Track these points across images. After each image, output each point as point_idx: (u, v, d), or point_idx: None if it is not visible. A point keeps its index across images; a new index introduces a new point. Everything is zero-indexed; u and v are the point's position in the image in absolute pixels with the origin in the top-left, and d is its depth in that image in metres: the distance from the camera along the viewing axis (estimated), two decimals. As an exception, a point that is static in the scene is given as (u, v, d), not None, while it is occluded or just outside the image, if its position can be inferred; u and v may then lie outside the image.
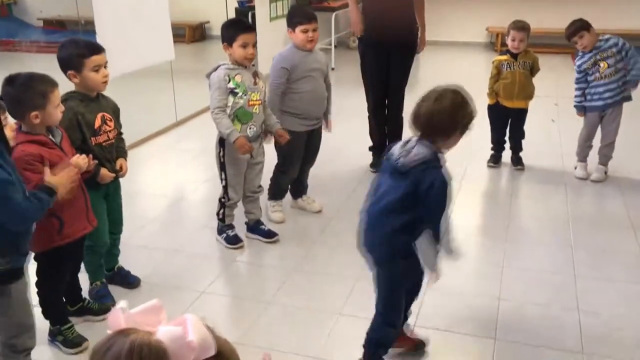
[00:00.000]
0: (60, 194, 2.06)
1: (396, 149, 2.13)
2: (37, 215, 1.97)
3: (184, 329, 0.86)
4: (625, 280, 2.89)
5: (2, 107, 1.99)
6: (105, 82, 2.51)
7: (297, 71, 3.26)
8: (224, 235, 3.23)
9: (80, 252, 2.49)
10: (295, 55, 3.27)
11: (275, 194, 3.57)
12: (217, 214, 3.23)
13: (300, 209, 3.64)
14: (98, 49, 2.46)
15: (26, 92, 2.08)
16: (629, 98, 3.96)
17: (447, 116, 2.08)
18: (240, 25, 3.06)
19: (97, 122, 2.48)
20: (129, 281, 2.86)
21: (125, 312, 0.88)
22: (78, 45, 2.45)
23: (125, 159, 2.69)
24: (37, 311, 2.43)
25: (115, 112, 2.62)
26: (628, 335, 2.49)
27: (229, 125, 2.95)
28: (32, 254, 2.26)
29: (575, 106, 4.13)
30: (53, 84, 2.14)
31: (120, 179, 2.72)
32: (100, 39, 4.03)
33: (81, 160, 2.22)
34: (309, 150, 3.52)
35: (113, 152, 2.60)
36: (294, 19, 3.27)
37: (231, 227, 3.24)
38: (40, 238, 2.20)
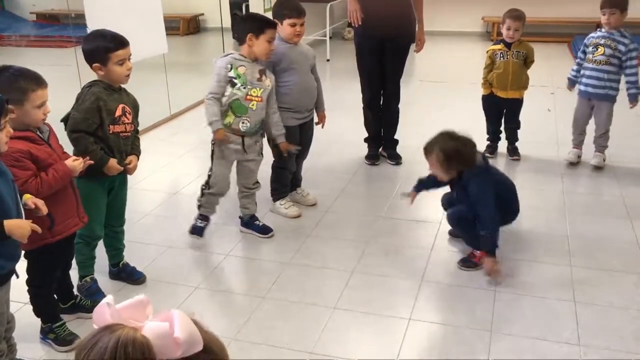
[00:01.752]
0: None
1: None
2: None
3: (171, 325, 0.84)
4: (621, 270, 2.88)
5: (6, 110, 1.96)
6: (128, 76, 2.54)
7: (282, 63, 3.25)
8: (194, 222, 3.21)
9: (71, 249, 2.47)
10: (279, 47, 3.23)
11: (280, 192, 3.55)
12: (197, 199, 3.22)
13: (295, 202, 3.62)
14: (124, 43, 2.49)
15: (7, 84, 2.05)
16: (613, 99, 3.93)
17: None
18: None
19: (118, 112, 2.50)
20: (135, 277, 2.83)
21: (111, 308, 0.86)
22: (105, 38, 2.47)
23: (138, 157, 2.68)
24: (28, 309, 2.43)
25: (135, 107, 2.63)
26: (624, 326, 2.48)
27: (216, 114, 2.95)
28: (22, 252, 2.24)
29: (567, 77, 4.15)
30: (38, 84, 2.11)
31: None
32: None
33: (77, 163, 2.22)
34: (302, 142, 3.49)
35: (128, 146, 2.61)
36: (283, 11, 3.24)
37: (205, 218, 3.22)
38: (30, 236, 2.17)
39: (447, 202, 3.18)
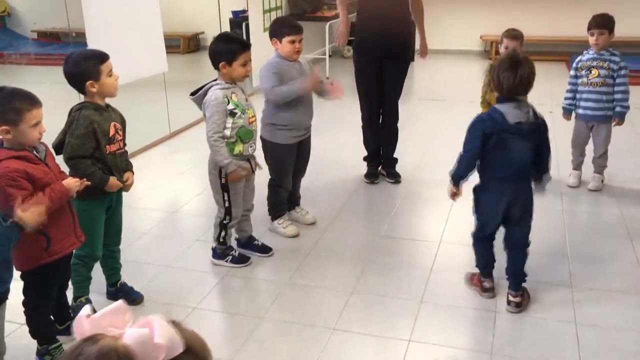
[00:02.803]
0: (28, 228, 1.98)
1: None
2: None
3: (150, 331, 0.85)
4: (622, 291, 2.85)
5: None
6: (117, 86, 2.54)
7: (285, 80, 3.23)
8: (229, 257, 3.15)
9: (67, 269, 2.45)
10: (281, 63, 3.24)
11: (277, 210, 3.53)
12: (217, 238, 3.13)
13: (294, 221, 3.60)
14: (106, 55, 2.49)
15: (2, 105, 2.05)
16: (612, 119, 3.94)
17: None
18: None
19: (112, 131, 2.50)
20: (133, 297, 2.80)
21: (90, 318, 0.88)
22: (89, 56, 2.48)
23: (132, 172, 2.68)
24: (24, 330, 2.40)
25: (123, 122, 2.63)
26: (626, 347, 2.46)
27: (227, 155, 2.89)
28: (19, 273, 2.22)
29: (563, 107, 4.14)
30: (33, 104, 2.11)
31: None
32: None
33: (72, 182, 2.21)
34: (300, 160, 3.49)
35: (124, 162, 2.61)
36: (282, 30, 3.23)
37: (231, 247, 3.20)
38: (26, 256, 2.17)
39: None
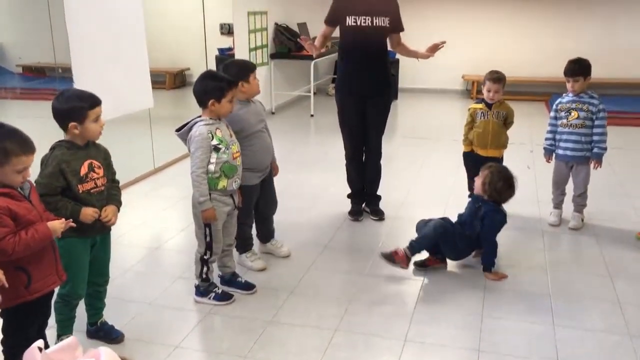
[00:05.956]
0: None
1: None
2: None
3: None
4: (604, 330, 2.87)
5: None
6: (101, 132, 2.54)
7: (245, 131, 3.23)
8: (212, 294, 3.13)
9: (48, 308, 2.41)
10: (238, 112, 3.20)
11: (244, 244, 3.55)
12: (200, 274, 3.12)
13: (269, 254, 3.63)
14: (98, 101, 2.49)
15: None
16: (589, 158, 4.03)
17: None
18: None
19: (84, 169, 2.46)
20: (113, 336, 2.76)
21: (42, 352, 0.88)
22: (81, 97, 2.47)
23: (117, 207, 2.62)
24: (1, 370, 2.35)
25: (106, 159, 2.60)
26: (608, 387, 2.46)
27: (206, 193, 2.92)
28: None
29: (543, 148, 4.22)
30: (24, 150, 2.08)
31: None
32: (77, 87, 4.04)
33: (57, 224, 2.19)
34: (267, 195, 3.53)
35: (103, 200, 2.55)
36: (246, 71, 3.25)
37: (214, 284, 3.18)
38: (6, 293, 2.13)
39: (422, 226, 3.54)
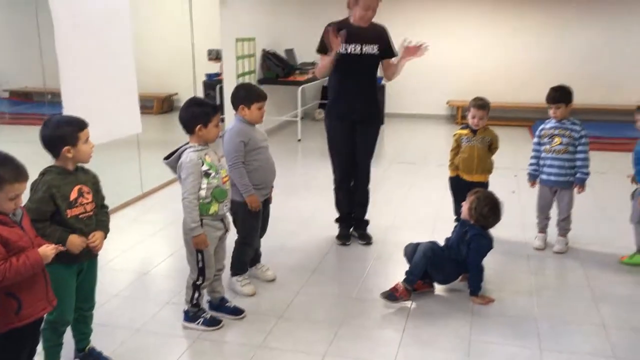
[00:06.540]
0: None
1: None
2: None
3: None
4: (589, 353, 2.91)
5: None
6: (91, 154, 2.57)
7: (251, 143, 3.35)
8: (201, 320, 3.13)
9: (37, 334, 2.39)
10: (246, 128, 3.37)
11: (240, 268, 3.57)
12: (190, 300, 3.12)
13: (254, 277, 3.65)
14: (86, 122, 2.54)
15: None
16: (572, 183, 4.11)
17: None
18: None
19: (74, 194, 2.47)
20: None
21: None
22: (69, 122, 2.50)
23: (105, 233, 2.62)
24: (-12, 397, 2.32)
25: (95, 184, 2.61)
26: (595, 410, 2.49)
27: (197, 219, 2.94)
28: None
29: (528, 173, 4.30)
30: (17, 177, 2.09)
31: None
32: (66, 112, 4.05)
33: (49, 250, 2.19)
34: (263, 218, 3.59)
35: (91, 226, 2.55)
36: (251, 96, 3.36)
37: (203, 309, 3.18)
38: (-4, 319, 2.12)
39: (410, 250, 3.56)
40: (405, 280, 3.42)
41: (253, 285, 3.56)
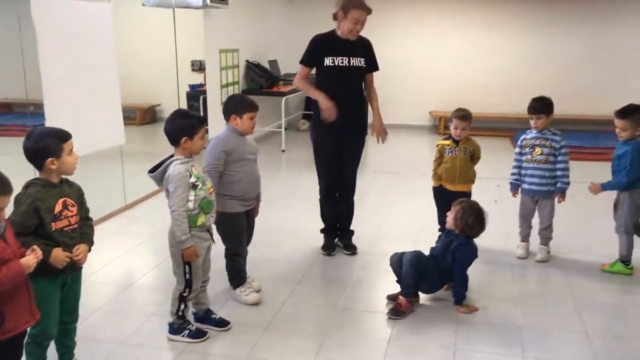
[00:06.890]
0: None
1: None
2: None
3: None
4: (572, 361, 2.94)
5: None
6: (76, 165, 2.57)
7: (235, 154, 3.35)
8: (186, 332, 3.11)
9: (20, 348, 2.37)
10: (232, 138, 3.37)
11: (238, 278, 3.56)
12: (176, 312, 3.10)
13: None
14: (69, 133, 2.53)
15: None
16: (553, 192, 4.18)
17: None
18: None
19: (58, 207, 2.46)
20: None
21: None
22: (52, 133, 2.50)
23: (89, 247, 2.61)
24: (-30, 413, 2.29)
25: (79, 197, 2.60)
26: (579, 417, 2.51)
27: (187, 231, 2.93)
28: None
29: (510, 182, 4.35)
30: (2, 191, 2.09)
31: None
32: (49, 123, 4.03)
33: (30, 259, 2.18)
34: (249, 230, 3.59)
35: (76, 239, 2.54)
36: (242, 106, 3.38)
37: (189, 321, 3.16)
38: (-22, 334, 2.10)
39: (396, 260, 3.57)
40: (403, 294, 3.44)
41: (257, 294, 3.56)
